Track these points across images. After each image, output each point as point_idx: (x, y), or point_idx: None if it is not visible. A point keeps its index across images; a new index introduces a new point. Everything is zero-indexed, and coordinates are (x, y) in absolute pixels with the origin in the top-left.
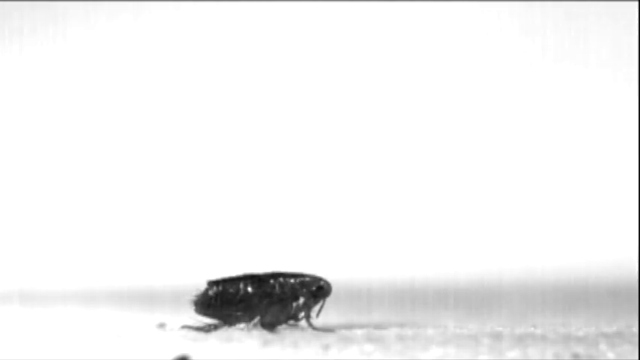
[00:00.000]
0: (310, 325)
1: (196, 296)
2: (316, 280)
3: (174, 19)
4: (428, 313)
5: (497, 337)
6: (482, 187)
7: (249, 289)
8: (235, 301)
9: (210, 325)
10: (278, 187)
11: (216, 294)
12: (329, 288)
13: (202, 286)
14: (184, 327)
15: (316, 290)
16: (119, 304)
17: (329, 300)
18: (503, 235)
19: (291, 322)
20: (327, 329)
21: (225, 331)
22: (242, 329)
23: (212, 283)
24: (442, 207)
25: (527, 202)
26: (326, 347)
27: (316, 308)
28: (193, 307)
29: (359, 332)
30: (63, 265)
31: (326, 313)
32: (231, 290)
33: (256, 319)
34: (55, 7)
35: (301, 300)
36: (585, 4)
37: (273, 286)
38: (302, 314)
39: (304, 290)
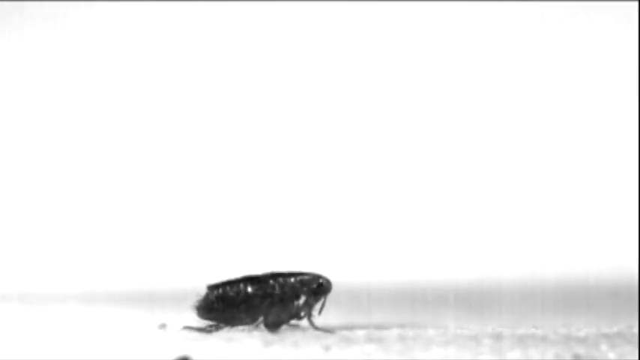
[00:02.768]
0: (312, 324)
1: (197, 301)
2: (316, 277)
3: (175, 19)
4: (429, 314)
5: (498, 337)
6: (483, 189)
7: (250, 290)
8: (237, 303)
9: (211, 326)
10: (278, 188)
11: (217, 298)
12: (329, 285)
13: (202, 289)
14: (185, 327)
15: (317, 288)
16: (120, 304)
17: (330, 301)
18: (504, 236)
19: (294, 321)
20: (328, 330)
21: (227, 332)
22: (243, 330)
23: (212, 287)
24: (443, 208)
25: (528, 203)
26: (327, 348)
27: (318, 306)
28: (195, 312)
29: (360, 333)
30: (64, 266)
31: (327, 314)
32: (231, 293)
33: (259, 320)
34: (55, 7)
35: (302, 298)
36: (585, 4)
37: (274, 287)
38: (304, 313)
39: (305, 289)
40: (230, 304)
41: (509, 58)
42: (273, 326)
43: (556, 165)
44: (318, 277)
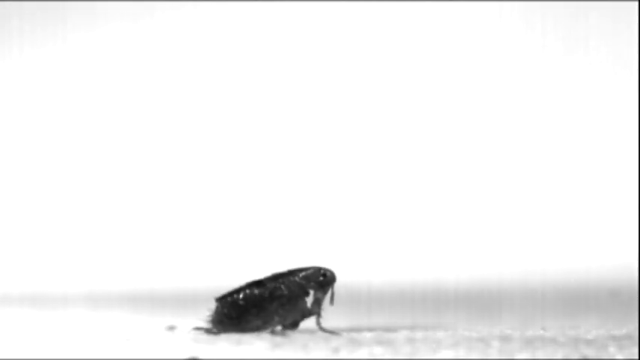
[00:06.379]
0: (319, 324)
1: (210, 315)
2: (318, 270)
3: (174, 20)
4: (437, 316)
5: (506, 339)
6: (490, 191)
7: (259, 294)
8: (249, 309)
9: None
10: (282, 189)
11: (229, 308)
12: (333, 275)
13: (207, 290)
14: (194, 329)
15: (322, 280)
16: (129, 306)
17: (337, 302)
18: (513, 237)
19: (308, 318)
20: (336, 332)
21: (235, 334)
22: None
23: (220, 299)
24: (452, 210)
25: (538, 205)
26: (335, 350)
27: (327, 298)
28: (212, 327)
29: (368, 335)
30: (73, 268)
31: (334, 316)
32: (241, 301)
33: (275, 322)
34: (56, 8)
35: (311, 293)
36: (585, 4)
37: (280, 288)
38: (315, 309)
39: (311, 283)
40: (242, 312)
41: (507, 57)
42: (290, 327)
43: (561, 166)
44: (320, 268)
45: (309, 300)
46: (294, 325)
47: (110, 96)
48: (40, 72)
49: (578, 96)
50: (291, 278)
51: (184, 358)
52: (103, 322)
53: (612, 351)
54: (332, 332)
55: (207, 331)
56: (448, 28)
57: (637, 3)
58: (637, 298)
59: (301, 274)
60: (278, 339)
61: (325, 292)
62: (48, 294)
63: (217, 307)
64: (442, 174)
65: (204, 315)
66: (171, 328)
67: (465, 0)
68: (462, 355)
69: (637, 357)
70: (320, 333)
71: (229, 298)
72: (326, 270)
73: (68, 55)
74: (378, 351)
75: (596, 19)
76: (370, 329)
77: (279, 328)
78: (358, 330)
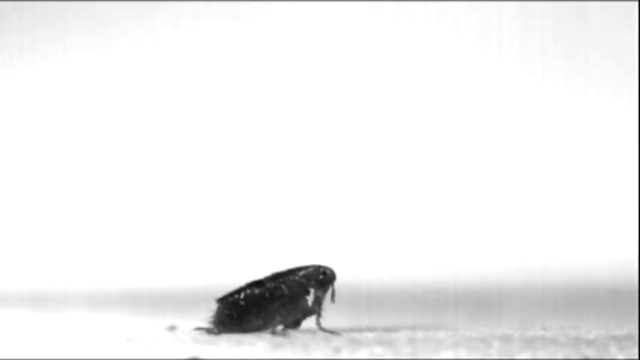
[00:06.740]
0: (319, 324)
1: (212, 317)
2: (317, 268)
3: (174, 21)
4: (438, 316)
5: (507, 339)
6: (493, 191)
7: (259, 295)
8: (250, 309)
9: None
10: (282, 189)
11: (230, 308)
12: (333, 273)
13: (209, 291)
14: (195, 329)
15: (323, 278)
16: (129, 307)
17: (338, 302)
18: (513, 237)
19: (309, 317)
20: (337, 332)
21: (236, 334)
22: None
23: (221, 300)
24: (453, 210)
25: (538, 205)
26: (336, 350)
27: (328, 296)
28: (214, 328)
29: (369, 335)
30: (73, 268)
31: (335, 316)
32: (242, 302)
33: (277, 322)
34: (56, 8)
35: (312, 292)
36: (585, 4)
37: (280, 287)
38: (316, 307)
39: (312, 282)
40: (244, 312)
41: (507, 59)
42: (292, 326)
43: (564, 169)
44: (319, 267)
45: (310, 299)
46: (295, 324)
47: (109, 96)
48: (40, 73)
49: (579, 94)
50: (291, 277)
51: (185, 358)
52: (104, 322)
53: (613, 351)
54: (332, 332)
55: (208, 331)
56: (447, 29)
57: (637, 3)
58: (637, 298)
59: (301, 273)
60: (279, 339)
61: (326, 291)
62: (48, 294)
63: (218, 308)
64: (442, 174)
65: (204, 315)
66: (172, 328)
67: (465, 0)
68: (462, 355)
69: (637, 357)
70: (321, 333)
71: (230, 299)
72: (325, 268)
73: (68, 55)
74: (379, 351)
75: (595, 20)
76: (371, 329)
77: (280, 327)
78: (359, 330)
